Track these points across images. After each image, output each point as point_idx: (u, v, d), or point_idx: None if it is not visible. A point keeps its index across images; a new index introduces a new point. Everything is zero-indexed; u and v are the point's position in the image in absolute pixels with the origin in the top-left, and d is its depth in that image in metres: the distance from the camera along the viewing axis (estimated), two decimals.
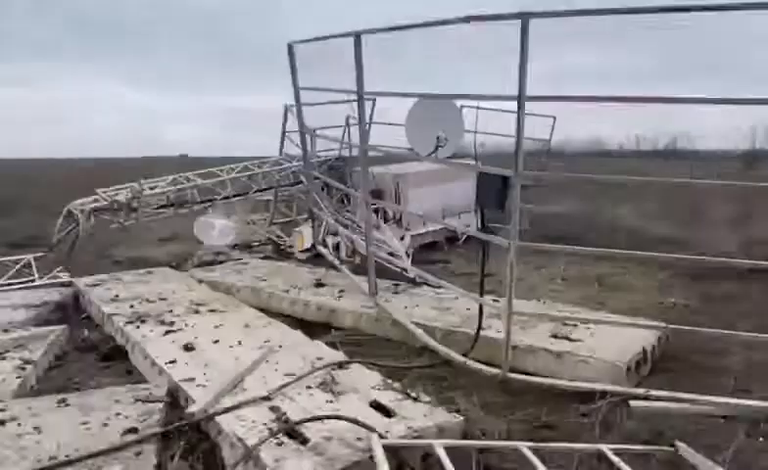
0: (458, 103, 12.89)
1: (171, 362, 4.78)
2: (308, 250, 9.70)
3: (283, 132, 10.93)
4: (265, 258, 9.59)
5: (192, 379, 4.46)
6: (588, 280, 7.93)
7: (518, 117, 4.23)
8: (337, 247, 9.07)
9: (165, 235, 11.89)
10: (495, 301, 6.20)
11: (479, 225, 5.09)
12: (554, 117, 11.63)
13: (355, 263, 8.43)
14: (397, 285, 7.09)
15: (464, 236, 10.70)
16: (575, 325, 5.45)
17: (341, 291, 6.95)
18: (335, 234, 9.25)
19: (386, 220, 10.21)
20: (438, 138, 11.84)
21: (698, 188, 8.77)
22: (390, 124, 12.54)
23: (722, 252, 8.11)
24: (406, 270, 7.23)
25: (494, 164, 4.87)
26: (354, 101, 5.96)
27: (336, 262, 8.00)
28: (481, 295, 5.20)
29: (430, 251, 10.19)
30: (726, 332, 4.63)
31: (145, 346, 5.15)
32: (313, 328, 6.17)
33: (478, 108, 5.53)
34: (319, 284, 7.32)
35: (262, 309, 6.59)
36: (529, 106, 4.22)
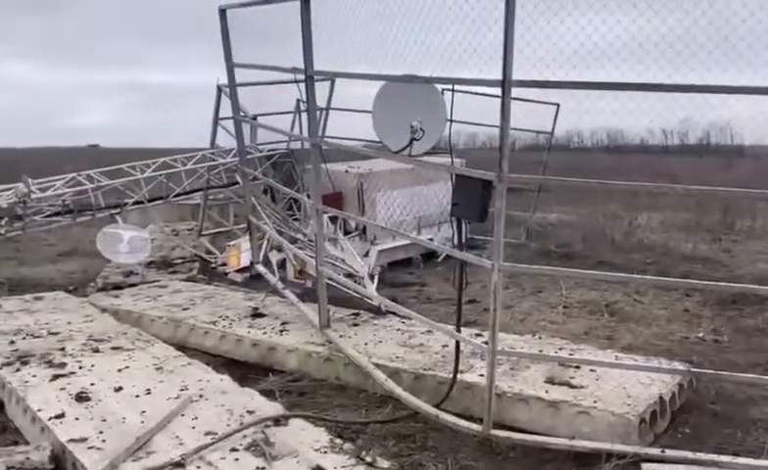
0: (439, 87, 13.13)
1: (58, 417, 4.61)
2: (244, 269, 9.71)
3: (216, 119, 10.82)
4: (189, 279, 9.48)
5: (84, 439, 4.30)
6: (595, 308, 7.95)
7: (503, 104, 4.21)
8: (282, 266, 9.06)
9: (64, 249, 11.64)
10: (477, 336, 6.20)
11: (456, 240, 5.06)
12: (558, 105, 11.80)
13: (304, 287, 8.41)
14: (356, 315, 7.08)
15: (443, 253, 10.77)
16: (577, 367, 5.43)
17: (284, 323, 6.92)
18: (280, 250, 9.20)
19: (346, 232, 10.21)
20: (413, 129, 11.92)
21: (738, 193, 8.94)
22: (352, 111, 12.66)
23: (764, 274, 8.25)
24: (369, 297, 7.20)
25: (483, 161, 4.84)
26: (303, 81, 5.91)
27: (280, 286, 7.93)
28: (458, 328, 5.14)
29: (402, 270, 10.25)
30: (765, 378, 4.68)
31: (25, 394, 4.97)
32: (247, 371, 6.12)
33: (453, 90, 5.53)
34: (257, 314, 7.27)
35: (181, 347, 6.54)
36: (534, 91, 4.25)
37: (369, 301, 7.27)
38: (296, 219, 10.01)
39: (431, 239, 10.29)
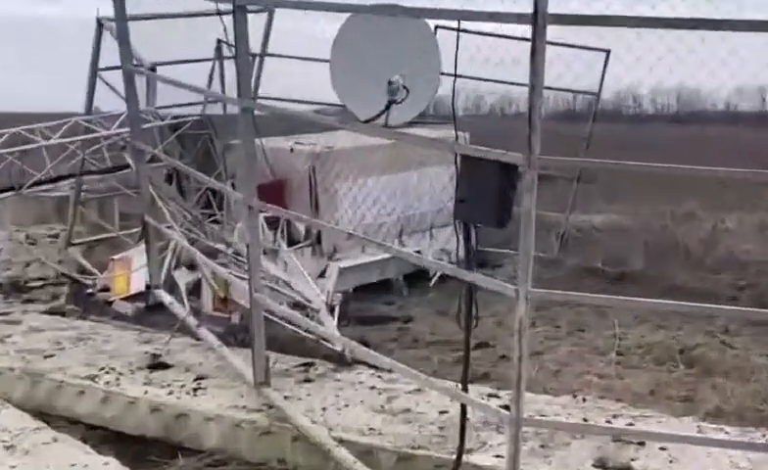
0: (431, 23, 13.14)
1: None
2: (137, 296, 9.70)
3: (94, 70, 10.74)
4: (54, 311, 9.41)
5: None
6: (665, 355, 8.05)
7: (534, 51, 4.23)
8: (196, 291, 9.09)
9: None
10: (491, 397, 6.30)
11: (464, 254, 5.08)
12: (608, 53, 11.90)
13: (230, 324, 8.46)
14: (309, 366, 7.15)
15: (438, 273, 10.81)
16: (640, 444, 5.51)
17: (200, 378, 6.97)
18: (192, 267, 9.19)
19: (292, 242, 10.22)
20: (392, 86, 11.95)
21: None
22: (302, 60, 12.64)
23: None
24: (327, 339, 7.20)
25: (493, 136, 4.85)
26: (228, 13, 6.02)
27: (192, 322, 7.93)
28: (464, 386, 5.18)
29: (376, 298, 10.30)
30: None
31: None
32: (144, 450, 6.11)
33: (460, 30, 5.52)
34: (158, 364, 7.26)
35: (43, 414, 6.51)
36: (568, 32, 4.27)
37: (328, 345, 7.28)
38: (216, 222, 9.99)
39: (419, 252, 10.32)
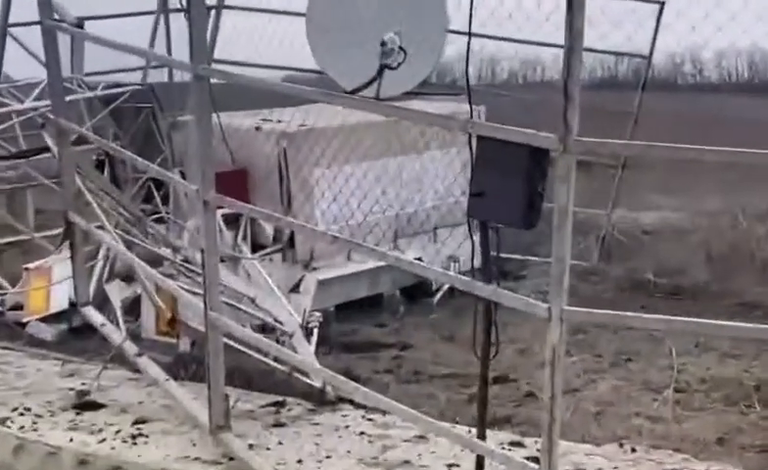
0: None
1: None
2: (59, 316, 9.75)
3: (3, 26, 10.76)
4: None
5: None
6: (737, 392, 8.07)
7: (571, 3, 4.24)
8: (135, 309, 9.11)
9: None
10: (515, 446, 6.27)
11: (480, 262, 5.16)
12: (662, 4, 11.92)
13: (179, 353, 8.50)
14: (280, 406, 7.17)
15: (444, 286, 10.79)
16: None
17: (140, 421, 6.96)
18: (130, 279, 9.22)
19: (257, 246, 10.34)
20: (384, 47, 11.88)
21: None
22: (268, 13, 12.62)
23: None
24: (303, 372, 7.26)
25: (516, 111, 4.86)
26: None
27: (131, 350, 7.92)
28: (481, 432, 5.22)
29: (366, 317, 10.45)
30: None
31: None
32: None
33: None
34: (87, 403, 7.28)
35: None
36: None
37: (305, 378, 7.31)
38: (160, 221, 9.98)
39: (420, 260, 10.30)
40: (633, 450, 6.46)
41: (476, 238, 5.17)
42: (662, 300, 10.62)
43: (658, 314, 4.97)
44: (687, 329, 5.08)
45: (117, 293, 9.11)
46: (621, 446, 6.58)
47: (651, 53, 12.17)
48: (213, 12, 11.50)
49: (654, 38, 12.04)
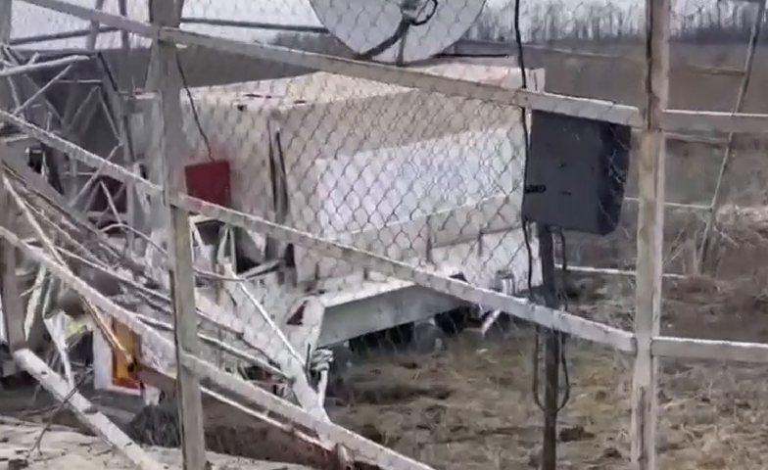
0: None
1: None
2: None
3: None
4: None
5: None
6: None
7: None
8: (84, 352, 9.17)
9: None
10: None
11: (542, 278, 5.23)
12: None
13: (142, 407, 8.52)
14: None
15: (494, 312, 10.77)
16: None
17: None
18: (75, 311, 9.14)
19: (244, 265, 10.39)
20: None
21: None
22: None
23: None
24: (306, 431, 7.21)
25: (588, 78, 4.89)
26: None
27: (80, 404, 7.92)
28: None
29: (391, 355, 10.52)
30: None
31: None
32: None
33: None
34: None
35: None
36: None
37: (310, 439, 7.33)
38: (116, 232, 9.99)
39: (461, 277, 10.31)
40: None
41: (535, 246, 5.18)
42: None
43: None
44: None
45: (60, 330, 9.11)
46: None
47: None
48: None
49: None
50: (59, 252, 8.73)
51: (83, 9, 9.84)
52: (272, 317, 8.91)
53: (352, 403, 8.96)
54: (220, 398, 7.00)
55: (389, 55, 10.42)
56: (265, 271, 10.11)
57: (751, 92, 11.69)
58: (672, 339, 4.47)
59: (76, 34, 11.11)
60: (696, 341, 4.74)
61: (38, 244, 8.71)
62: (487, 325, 10.87)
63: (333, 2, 9.76)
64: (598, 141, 4.68)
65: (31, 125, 9.41)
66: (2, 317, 8.68)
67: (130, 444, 7.49)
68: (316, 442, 7.31)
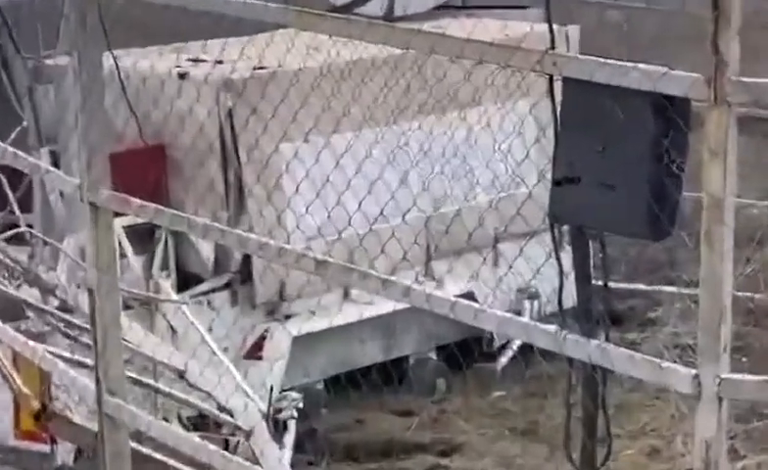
0: None
1: None
2: None
3: None
4: None
5: None
6: None
7: None
8: None
9: None
10: None
11: (577, 299, 5.28)
12: None
13: (52, 465, 8.57)
14: None
15: (513, 343, 10.81)
16: None
17: None
18: None
19: (186, 280, 10.47)
20: None
21: None
22: None
23: None
24: None
25: (634, 38, 4.94)
26: None
27: None
28: None
29: (380, 399, 10.60)
30: None
31: None
32: None
33: None
34: None
35: None
36: None
37: None
38: (15, 236, 10.01)
39: (471, 297, 10.33)
40: None
41: (566, 257, 5.19)
42: None
43: None
44: None
45: None
46: None
47: None
48: None
49: None
50: None
51: None
52: (224, 350, 8.89)
53: (328, 462, 8.96)
54: (155, 455, 7.00)
55: (375, 7, 10.45)
56: (214, 290, 10.10)
57: None
58: (746, 377, 4.48)
59: None
60: None
61: None
62: (504, 360, 10.88)
63: None
64: (648, 119, 4.69)
65: None
66: None
67: None
68: None
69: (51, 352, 7.77)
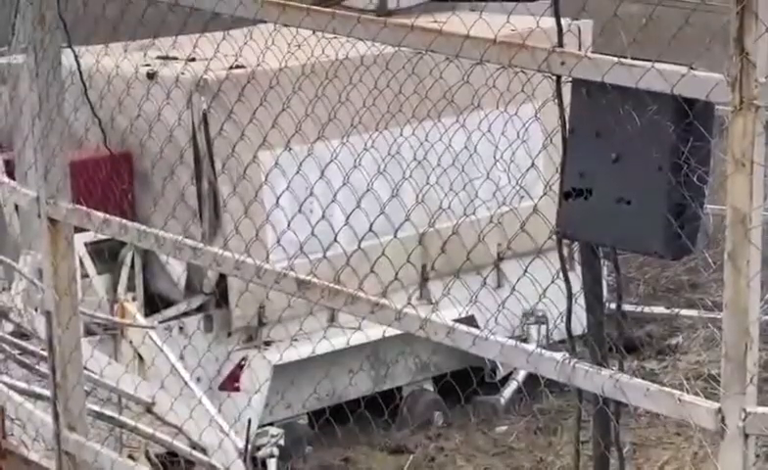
0: None
1: None
2: None
3: None
4: None
5: None
6: None
7: None
8: None
9: None
10: None
11: (587, 325, 5.31)
12: None
13: None
14: None
15: (518, 374, 10.81)
16: None
17: None
18: None
19: (155, 303, 10.63)
20: None
21: None
22: None
23: None
24: None
25: (653, 33, 5.01)
26: None
27: None
28: None
29: (372, 435, 10.61)
30: None
31: None
32: None
33: None
34: None
35: None
36: None
37: None
38: None
39: (472, 322, 10.34)
40: None
41: (576, 277, 5.20)
42: None
43: None
44: None
45: None
46: None
47: None
48: None
49: None
50: None
51: None
52: (197, 380, 8.89)
53: None
54: None
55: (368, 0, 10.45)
56: (186, 313, 10.10)
57: None
58: None
59: None
60: None
61: None
62: (508, 392, 10.89)
63: None
64: (668, 124, 4.71)
65: None
66: None
67: None
68: None
69: (4, 383, 7.77)
